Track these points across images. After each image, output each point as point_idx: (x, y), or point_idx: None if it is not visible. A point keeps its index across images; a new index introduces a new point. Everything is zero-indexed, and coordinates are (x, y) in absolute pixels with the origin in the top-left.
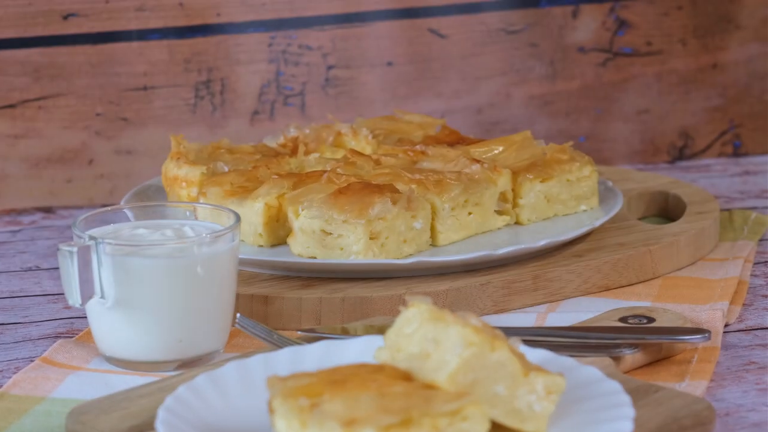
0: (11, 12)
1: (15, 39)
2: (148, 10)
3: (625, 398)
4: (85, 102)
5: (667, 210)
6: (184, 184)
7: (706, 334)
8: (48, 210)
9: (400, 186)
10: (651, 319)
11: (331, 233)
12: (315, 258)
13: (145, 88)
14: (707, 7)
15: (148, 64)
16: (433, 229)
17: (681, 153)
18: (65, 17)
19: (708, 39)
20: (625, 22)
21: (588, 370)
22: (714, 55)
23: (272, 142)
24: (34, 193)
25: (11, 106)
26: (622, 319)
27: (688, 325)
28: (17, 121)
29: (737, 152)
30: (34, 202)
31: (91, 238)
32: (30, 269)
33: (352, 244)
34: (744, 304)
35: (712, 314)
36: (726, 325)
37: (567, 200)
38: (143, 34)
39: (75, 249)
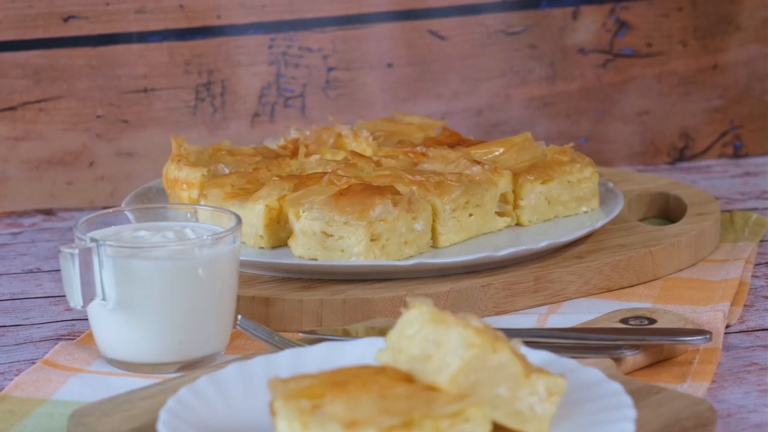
0: (11, 14)
1: (15, 41)
2: (148, 12)
3: (627, 399)
4: (86, 104)
5: (668, 211)
6: (184, 186)
7: (708, 336)
8: (49, 212)
9: (400, 188)
10: (652, 321)
11: (332, 235)
12: (316, 260)
13: (145, 90)
14: (707, 8)
15: (148, 66)
16: (434, 230)
17: (681, 154)
18: (65, 19)
19: (708, 40)
20: (625, 23)
21: (589, 372)
22: (714, 57)
23: (273, 144)
24: (35, 196)
25: (12, 108)
26: (623, 321)
27: (689, 326)
28: (18, 123)
29: (738, 153)
30: (34, 204)
31: (93, 240)
32: (31, 271)
33: (353, 246)
34: (745, 306)
35: (713, 315)
36: (727, 327)
37: (568, 202)
38: (143, 36)
39: (76, 251)
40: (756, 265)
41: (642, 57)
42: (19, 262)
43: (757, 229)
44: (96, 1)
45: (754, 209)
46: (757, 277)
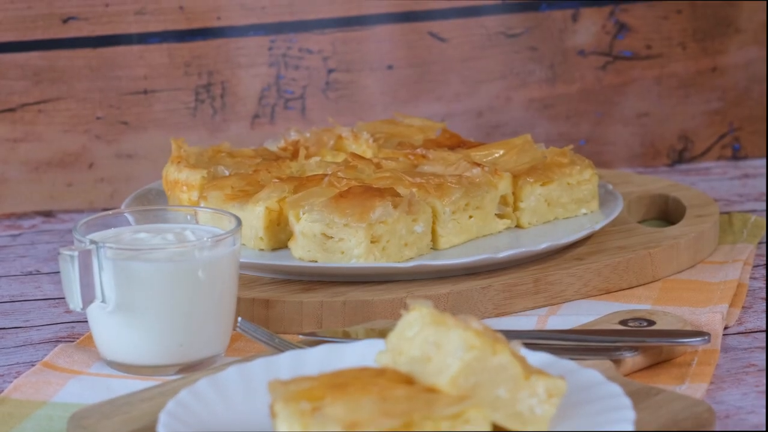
0: (10, 15)
1: (14, 42)
2: (148, 14)
3: (626, 401)
4: (85, 106)
5: (667, 213)
6: (184, 188)
7: (706, 337)
8: (48, 214)
9: (401, 190)
10: (651, 322)
11: (332, 237)
12: (316, 261)
13: (145, 92)
14: (706, 11)
15: (148, 68)
16: (434, 232)
17: (680, 156)
18: (65, 21)
19: (707, 42)
20: (624, 25)
21: (589, 373)
22: (713, 59)
23: (273, 146)
24: (34, 197)
25: (11, 109)
26: (623, 322)
27: (688, 327)
28: (17, 124)
29: (736, 155)
30: (34, 206)
31: (92, 242)
32: (30, 273)
33: (353, 248)
34: (743, 307)
35: (711, 317)
36: (725, 328)
37: (567, 203)
38: (143, 38)
39: (76, 253)
40: (754, 266)
41: (641, 59)
42: (19, 264)
43: (756, 230)
44: (95, 2)
45: (753, 211)
46: (755, 278)
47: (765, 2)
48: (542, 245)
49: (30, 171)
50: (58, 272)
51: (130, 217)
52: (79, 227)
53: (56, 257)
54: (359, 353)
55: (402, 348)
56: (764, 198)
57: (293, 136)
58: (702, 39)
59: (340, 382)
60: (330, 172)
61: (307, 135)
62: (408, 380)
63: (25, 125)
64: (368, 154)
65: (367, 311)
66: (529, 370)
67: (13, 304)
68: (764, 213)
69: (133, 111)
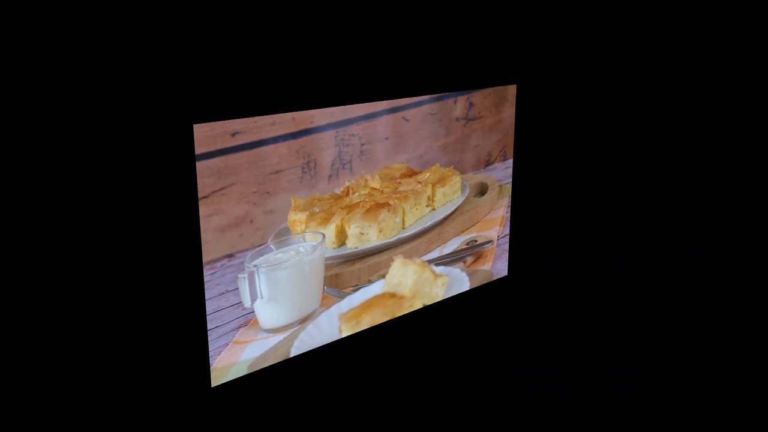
0: (200, 135)
1: (204, 153)
2: (276, 124)
3: (466, 278)
4: (246, 186)
5: (482, 190)
6: (298, 223)
7: (492, 242)
8: (230, 256)
9: (391, 202)
10: (476, 240)
11: (363, 233)
12: (357, 248)
13: (277, 172)
14: (499, 92)
15: (277, 157)
16: (403, 220)
17: (487, 163)
18: (233, 134)
19: (498, 108)
20: (473, 103)
21: (455, 270)
22: (499, 115)
23: (337, 190)
24: (221, 247)
25: (206, 196)
26: (467, 244)
27: (487, 240)
28: (210, 206)
29: (505, 160)
30: (221, 253)
31: (254, 266)
32: (222, 294)
33: (371, 236)
34: (503, 226)
35: (494, 233)
36: (498, 237)
37: (450, 194)
38: (275, 139)
39: (245, 275)
40: (508, 207)
41: (478, 119)
42: (215, 290)
43: (507, 192)
44: (248, 120)
45: (508, 183)
46: (508, 214)
47: (516, 86)
48: (440, 216)
49: (218, 232)
50: (237, 288)
51: (272, 247)
52: (247, 259)
53: (236, 280)
54: (376, 288)
55: (392, 280)
56: (511, 178)
57: (346, 183)
58: (496, 106)
59: (367, 305)
60: (362, 200)
61: (353, 181)
62: (394, 295)
63: (214, 205)
64: (378, 186)
65: (379, 266)
66: (436, 275)
67: (214, 314)
68: (510, 184)
69: (271, 184)
